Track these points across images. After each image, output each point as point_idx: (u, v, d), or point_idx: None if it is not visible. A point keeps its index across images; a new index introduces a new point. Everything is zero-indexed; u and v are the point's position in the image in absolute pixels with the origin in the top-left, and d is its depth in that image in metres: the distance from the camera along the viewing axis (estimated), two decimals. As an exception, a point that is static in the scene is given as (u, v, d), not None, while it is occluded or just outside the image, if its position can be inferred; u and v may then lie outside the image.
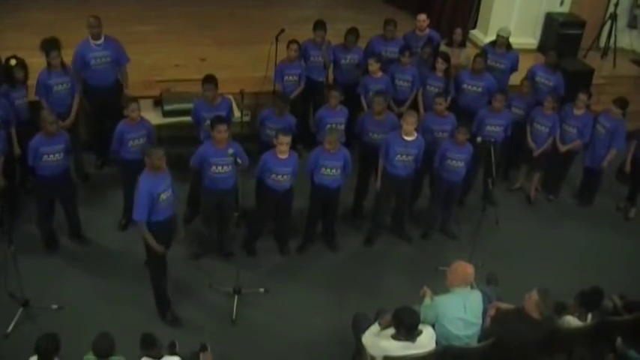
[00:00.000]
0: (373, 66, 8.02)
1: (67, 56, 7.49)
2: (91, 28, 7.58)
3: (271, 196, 6.80)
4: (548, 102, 7.95)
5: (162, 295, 6.31)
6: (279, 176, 6.67)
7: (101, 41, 7.66)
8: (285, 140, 6.53)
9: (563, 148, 8.13)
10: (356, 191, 7.85)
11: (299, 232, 7.41)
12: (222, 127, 6.41)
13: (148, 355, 4.90)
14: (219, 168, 6.53)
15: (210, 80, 7.11)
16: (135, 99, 6.98)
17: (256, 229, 7.17)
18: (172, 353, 5.19)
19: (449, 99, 8.09)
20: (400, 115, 7.38)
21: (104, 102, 7.83)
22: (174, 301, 6.46)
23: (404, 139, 6.97)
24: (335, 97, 7.46)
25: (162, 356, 4.93)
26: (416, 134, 7.02)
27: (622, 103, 7.95)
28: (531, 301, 5.32)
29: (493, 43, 8.91)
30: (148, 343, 4.90)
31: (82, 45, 7.66)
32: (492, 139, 7.36)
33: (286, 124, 7.18)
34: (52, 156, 6.48)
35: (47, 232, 6.97)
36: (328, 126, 7.36)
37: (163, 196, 5.94)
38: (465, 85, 8.32)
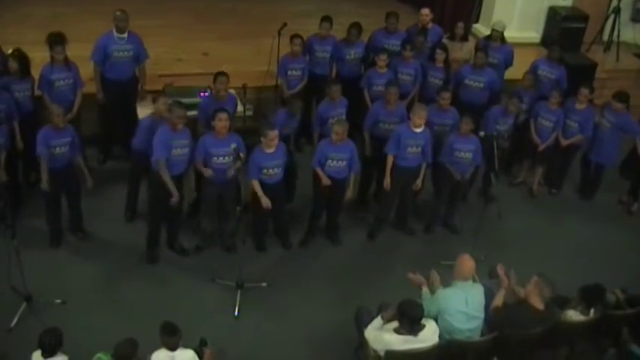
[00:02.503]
0: (383, 61, 8.01)
1: (70, 50, 7.47)
2: (118, 22, 7.61)
3: (265, 191, 6.78)
4: (554, 97, 7.92)
5: (153, 235, 6.87)
6: (270, 170, 6.67)
7: (125, 35, 7.68)
8: (273, 135, 6.53)
9: (564, 143, 8.12)
10: (360, 182, 7.85)
11: (301, 226, 7.41)
12: (223, 116, 6.45)
13: (166, 344, 4.91)
14: (220, 159, 6.54)
15: (224, 73, 7.18)
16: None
17: (259, 225, 7.17)
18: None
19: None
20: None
21: (120, 96, 7.83)
22: (177, 297, 6.51)
23: (414, 131, 6.99)
24: (337, 90, 7.46)
25: (177, 347, 4.94)
26: (424, 126, 7.04)
27: (622, 96, 7.92)
28: (532, 286, 5.37)
29: (488, 38, 8.90)
30: (168, 332, 4.91)
31: (106, 37, 7.68)
32: (495, 133, 7.35)
33: (294, 123, 7.36)
34: (58, 148, 6.49)
35: (57, 227, 6.98)
36: (331, 120, 7.37)
37: (175, 152, 6.41)
38: (466, 81, 8.30)
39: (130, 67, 7.87)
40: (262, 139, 6.59)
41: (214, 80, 7.19)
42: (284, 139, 6.93)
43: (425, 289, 5.44)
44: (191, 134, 6.65)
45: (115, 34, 7.65)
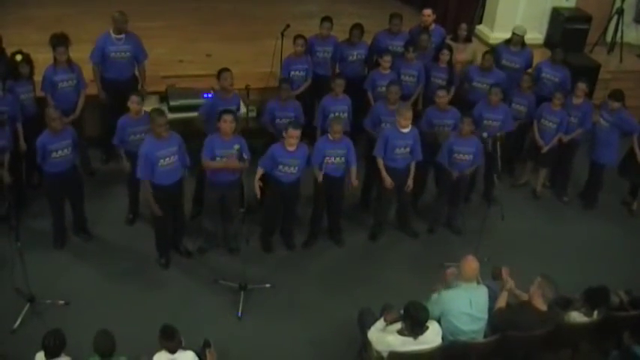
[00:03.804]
0: (387, 62, 8.01)
1: (72, 52, 7.48)
2: (116, 23, 7.65)
3: (278, 188, 6.80)
4: (558, 98, 7.89)
5: (161, 239, 6.85)
6: (287, 167, 6.69)
7: (122, 36, 7.71)
8: (295, 134, 6.58)
9: (565, 139, 8.09)
10: (363, 183, 7.85)
11: (304, 228, 7.41)
12: (228, 117, 6.45)
13: (166, 347, 4.90)
14: (224, 160, 6.53)
15: (227, 69, 7.18)
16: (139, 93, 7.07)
17: (269, 224, 7.18)
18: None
19: (452, 90, 8.09)
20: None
21: (118, 96, 7.84)
22: (180, 298, 6.52)
23: (401, 132, 6.98)
24: (339, 85, 7.53)
25: (177, 350, 4.92)
26: (410, 126, 7.03)
27: (617, 95, 7.87)
28: (535, 287, 5.37)
29: (507, 42, 8.84)
30: (167, 335, 4.89)
31: (103, 38, 7.72)
32: (498, 134, 7.34)
33: (293, 110, 7.42)
34: (59, 152, 6.49)
35: (61, 229, 7.00)
36: (332, 115, 7.39)
37: (163, 162, 6.33)
38: (474, 83, 8.31)
39: (128, 67, 7.90)
40: (284, 134, 6.64)
41: (219, 77, 7.18)
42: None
43: (435, 295, 5.44)
44: (181, 138, 6.59)
45: (113, 35, 7.68)
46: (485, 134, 7.28)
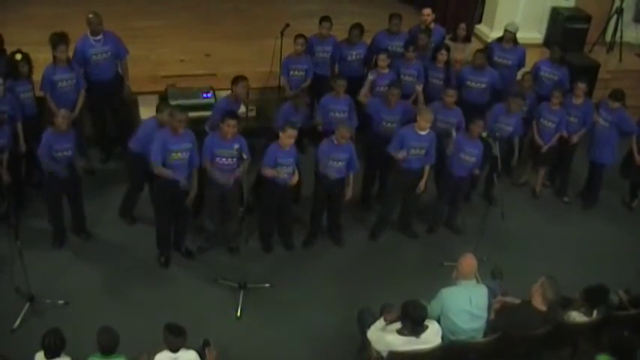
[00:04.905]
0: (384, 61, 8.00)
1: (71, 51, 7.50)
2: (91, 25, 7.62)
3: (274, 189, 6.80)
4: (556, 97, 7.89)
5: (162, 237, 6.83)
6: (283, 167, 6.68)
7: (100, 37, 7.69)
8: (293, 134, 6.59)
9: (574, 139, 8.07)
10: (363, 182, 7.85)
11: (304, 227, 7.41)
12: (232, 122, 6.46)
13: (169, 344, 4.88)
14: (223, 160, 6.55)
15: (244, 77, 7.19)
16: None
17: (266, 225, 7.18)
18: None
19: None
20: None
21: (106, 96, 7.86)
22: (180, 297, 6.52)
23: (418, 134, 6.98)
24: (341, 85, 7.51)
25: (180, 349, 4.92)
26: (429, 128, 7.03)
27: (617, 95, 7.86)
28: (537, 286, 5.37)
29: (500, 39, 8.86)
30: (174, 332, 4.88)
31: (82, 41, 7.70)
32: (497, 134, 7.34)
33: (300, 117, 7.38)
34: (63, 152, 6.51)
35: (60, 228, 6.99)
36: (332, 114, 7.43)
37: (175, 156, 6.38)
38: (468, 82, 8.29)
39: (110, 66, 7.88)
40: (280, 134, 6.64)
41: (236, 84, 7.16)
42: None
43: None
44: (194, 136, 6.62)
45: (91, 37, 7.67)
46: (484, 133, 7.29)
